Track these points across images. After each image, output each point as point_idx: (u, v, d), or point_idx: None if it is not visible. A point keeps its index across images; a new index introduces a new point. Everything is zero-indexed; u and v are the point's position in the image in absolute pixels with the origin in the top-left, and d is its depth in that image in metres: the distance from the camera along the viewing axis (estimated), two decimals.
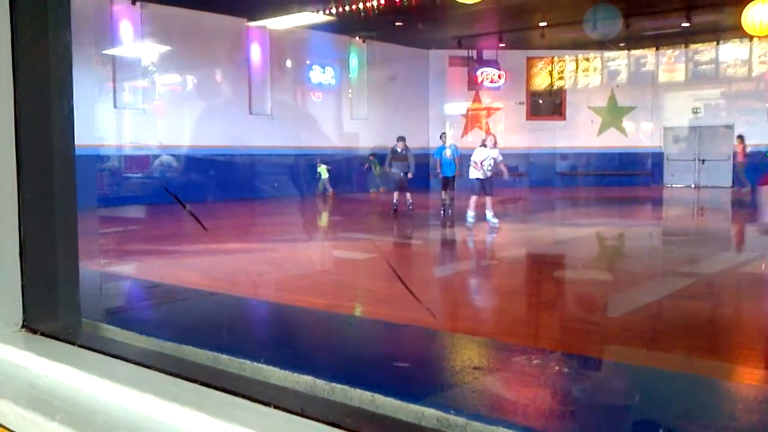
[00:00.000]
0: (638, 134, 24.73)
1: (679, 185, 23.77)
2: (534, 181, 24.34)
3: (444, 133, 17.30)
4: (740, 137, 21.48)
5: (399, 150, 15.98)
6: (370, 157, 20.35)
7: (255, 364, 1.13)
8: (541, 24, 20.07)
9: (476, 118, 24.96)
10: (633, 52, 23.89)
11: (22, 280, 1.33)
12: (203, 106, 18.54)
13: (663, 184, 24.12)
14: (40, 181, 1.35)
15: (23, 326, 1.33)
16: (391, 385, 1.03)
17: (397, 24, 20.12)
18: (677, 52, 23.57)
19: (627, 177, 24.27)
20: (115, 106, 17.27)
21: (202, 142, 18.00)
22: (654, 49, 23.68)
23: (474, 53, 24.06)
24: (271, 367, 1.11)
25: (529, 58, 24.52)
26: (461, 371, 1.14)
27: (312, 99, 21.48)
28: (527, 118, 25.04)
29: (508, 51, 23.58)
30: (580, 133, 24.56)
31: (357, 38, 21.98)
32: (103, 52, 17.01)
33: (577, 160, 24.96)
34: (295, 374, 1.08)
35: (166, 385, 1.02)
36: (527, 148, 24.54)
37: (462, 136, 24.94)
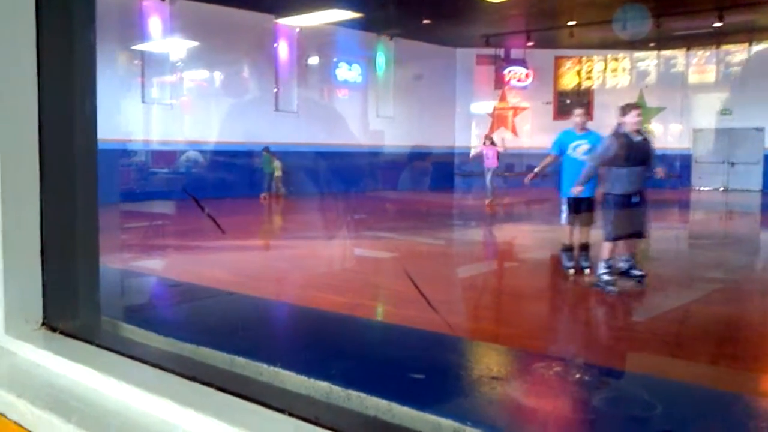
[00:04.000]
0: (666, 136, 24.43)
1: (707, 188, 23.48)
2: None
3: (580, 109, 9.42)
4: None
5: None
6: (264, 152, 18.46)
7: (271, 368, 1.13)
8: (570, 23, 19.92)
9: (503, 117, 24.84)
10: (663, 52, 23.63)
11: (42, 278, 1.34)
12: (230, 102, 18.64)
13: (691, 186, 23.84)
14: (62, 179, 1.36)
15: (43, 324, 1.34)
16: (408, 394, 1.01)
17: (424, 22, 20.08)
18: (708, 52, 23.28)
19: (654, 179, 23.97)
20: (143, 101, 17.39)
21: (229, 138, 18.09)
22: (684, 49, 23.39)
23: (502, 52, 23.93)
24: (287, 372, 1.10)
25: (557, 58, 24.34)
26: (479, 380, 1.13)
27: (338, 96, 21.51)
28: (554, 118, 24.85)
29: (536, 50, 23.42)
30: (608, 134, 24.28)
31: (384, 36, 21.95)
32: (133, 47, 17.15)
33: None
34: (311, 380, 1.07)
35: (182, 389, 1.01)
36: None
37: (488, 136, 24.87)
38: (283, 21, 18.70)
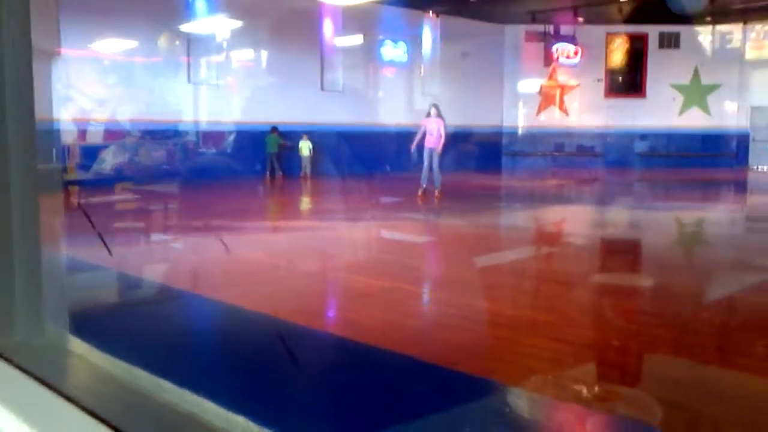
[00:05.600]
0: (723, 114, 23.67)
1: (765, 168, 22.71)
2: (610, 161, 23.66)
3: None
4: None
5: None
6: (274, 132, 18.16)
7: (194, 396, 1.00)
8: None
9: (551, 95, 24.35)
10: (718, 27, 22.81)
11: None
12: (275, 82, 18.60)
13: (748, 166, 23.09)
14: None
15: None
16: None
17: None
18: (767, 27, 22.39)
19: (709, 158, 23.32)
20: (189, 81, 17.46)
21: (274, 118, 18.09)
22: (741, 23, 22.54)
23: (551, 28, 23.40)
24: (209, 402, 0.97)
25: (608, 34, 23.70)
26: None
27: (383, 75, 21.31)
28: (605, 96, 24.28)
29: (586, 26, 22.84)
30: (661, 112, 23.67)
31: (430, 13, 21.63)
32: (179, 27, 17.21)
33: (656, 141, 24.11)
34: (229, 413, 0.94)
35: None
36: (604, 127, 23.84)
37: (536, 114, 24.44)
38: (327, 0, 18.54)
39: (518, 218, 12.35)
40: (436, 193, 13.30)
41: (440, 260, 8.26)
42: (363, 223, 10.96)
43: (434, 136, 13.17)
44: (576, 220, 11.99)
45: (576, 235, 10.52)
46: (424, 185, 13.32)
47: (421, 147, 13.36)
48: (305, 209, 14.34)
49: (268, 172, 18.08)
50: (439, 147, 13.18)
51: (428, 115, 13.42)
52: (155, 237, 8.99)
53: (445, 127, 13.34)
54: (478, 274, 6.90)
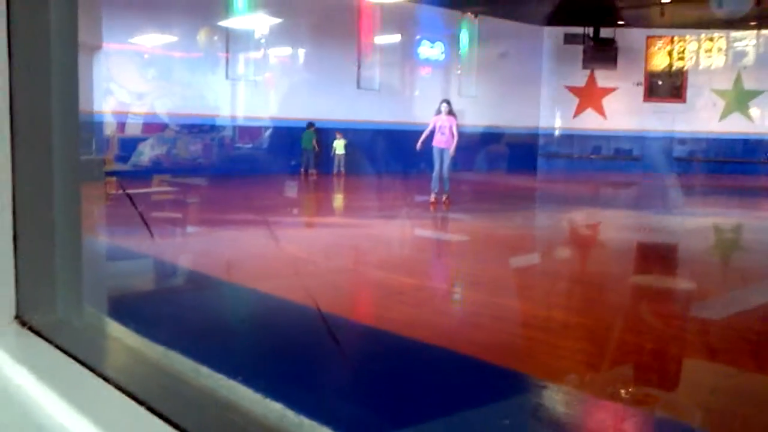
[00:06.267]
0: (765, 120, 23.24)
1: None
2: (648, 165, 23.38)
3: None
4: None
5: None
6: (310, 128, 18.21)
7: (231, 382, 1.00)
8: (663, 1, 19.08)
9: (590, 98, 24.11)
10: (764, 31, 22.38)
11: (15, 267, 1.23)
12: (313, 79, 18.68)
13: None
14: (38, 156, 1.24)
15: (16, 317, 1.23)
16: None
17: None
18: None
19: (751, 165, 22.91)
20: (227, 77, 17.60)
21: (310, 115, 18.17)
22: None
23: (590, 31, 23.18)
24: (245, 388, 0.97)
25: (648, 37, 23.41)
26: None
27: (420, 74, 21.29)
28: (644, 100, 23.99)
29: (626, 29, 22.59)
30: (701, 117, 23.32)
31: (468, 13, 21.56)
32: (218, 23, 17.36)
33: (696, 146, 23.76)
34: (267, 399, 0.94)
35: (117, 414, 0.89)
36: (643, 131, 23.57)
37: (574, 117, 24.23)
38: None
39: (547, 222, 12.25)
40: (444, 198, 12.15)
41: (463, 259, 8.21)
42: (392, 221, 10.96)
43: (446, 136, 11.91)
44: (609, 225, 11.85)
45: (609, 239, 10.40)
46: (436, 190, 12.12)
47: (429, 147, 12.10)
48: (331, 207, 14.38)
49: (302, 168, 18.16)
50: (452, 148, 11.95)
51: (438, 112, 12.17)
52: (190, 228, 9.07)
53: (458, 125, 12.15)
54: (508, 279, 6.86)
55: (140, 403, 0.93)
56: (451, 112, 12.05)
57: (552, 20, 22.42)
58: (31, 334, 1.18)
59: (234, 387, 0.99)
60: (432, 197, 12.14)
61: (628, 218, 12.65)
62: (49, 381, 1.00)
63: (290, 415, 0.91)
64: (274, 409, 0.92)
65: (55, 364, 1.07)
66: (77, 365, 1.05)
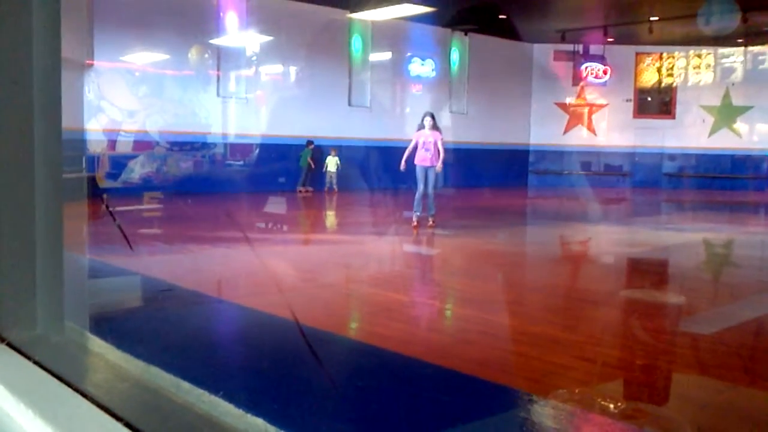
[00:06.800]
0: (753, 135, 23.40)
1: None
2: (638, 181, 23.51)
3: None
4: None
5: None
6: (309, 146, 18.35)
7: (212, 396, 0.98)
8: (652, 18, 19.23)
9: (579, 114, 24.25)
10: (750, 48, 22.58)
11: None
12: (304, 96, 18.72)
13: None
14: (18, 170, 1.23)
15: None
16: None
17: (500, 17, 19.73)
18: None
19: (739, 180, 23.05)
20: (218, 95, 17.62)
21: (301, 132, 18.19)
22: None
23: (580, 48, 23.36)
24: (226, 403, 0.96)
25: (637, 54, 23.59)
26: None
27: (411, 92, 21.36)
28: (634, 116, 24.14)
29: (616, 46, 22.76)
30: (690, 133, 23.48)
31: (458, 31, 21.70)
32: (209, 41, 17.39)
33: (685, 161, 23.91)
34: (248, 415, 0.93)
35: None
36: (632, 147, 23.71)
37: (564, 133, 24.33)
38: (356, 16, 18.65)
39: (538, 239, 12.25)
40: (431, 221, 10.97)
41: (445, 274, 8.21)
42: (383, 238, 10.94)
43: (431, 152, 10.71)
44: (600, 241, 11.87)
45: (600, 255, 10.42)
46: (418, 213, 10.89)
47: (412, 165, 10.89)
48: (324, 224, 14.35)
49: (299, 186, 18.15)
50: (439, 165, 10.77)
51: (421, 126, 10.95)
52: (178, 245, 9.03)
53: (443, 141, 10.93)
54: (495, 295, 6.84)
55: (119, 419, 0.92)
56: (435, 127, 10.89)
57: (542, 38, 22.51)
58: (10, 350, 1.16)
59: (215, 402, 0.98)
60: (414, 220, 10.89)
61: (618, 234, 12.67)
62: (27, 398, 0.99)
63: (272, 431, 0.90)
64: (255, 424, 0.91)
65: (33, 381, 1.05)
66: (56, 382, 1.04)
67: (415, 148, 10.83)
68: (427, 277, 8.15)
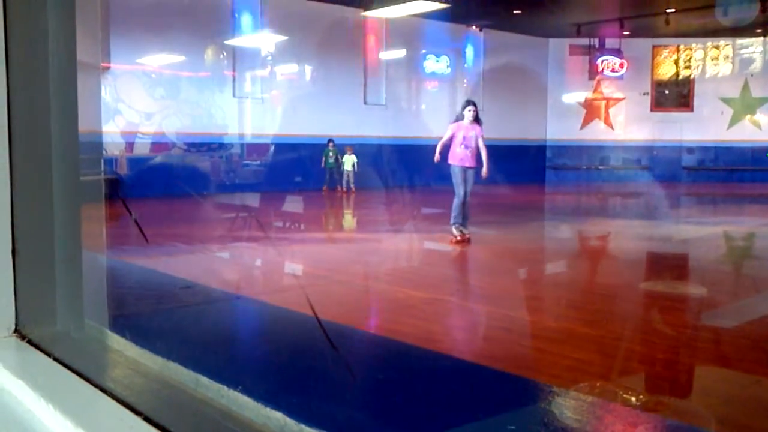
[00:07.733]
0: None
1: None
2: (657, 175, 23.31)
3: None
4: None
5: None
6: (329, 144, 18.48)
7: (231, 391, 0.98)
8: (668, 10, 19.06)
9: (595, 108, 24.09)
10: None
11: (15, 281, 1.22)
12: (319, 95, 18.74)
13: None
14: (37, 171, 1.24)
15: (15, 331, 1.22)
16: None
17: (515, 12, 19.66)
18: None
19: (760, 173, 22.80)
20: (234, 95, 17.68)
21: (318, 131, 18.22)
22: None
23: (596, 41, 23.20)
24: (246, 398, 0.96)
25: (654, 47, 23.40)
26: None
27: (426, 89, 21.33)
28: (652, 109, 23.95)
29: (632, 39, 22.59)
30: (709, 126, 23.26)
31: (473, 27, 21.63)
32: (225, 42, 17.46)
33: (704, 154, 23.70)
34: (267, 409, 0.92)
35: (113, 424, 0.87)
36: (651, 141, 23.53)
37: (581, 128, 24.19)
38: (370, 14, 18.64)
39: (558, 234, 12.19)
40: (466, 234, 8.95)
41: (468, 271, 8.18)
42: (403, 236, 10.94)
43: (471, 150, 8.76)
44: (620, 235, 11.79)
45: (621, 249, 10.35)
46: (458, 223, 8.88)
47: (445, 162, 8.96)
48: (343, 223, 14.35)
49: (325, 185, 18.21)
50: (485, 170, 8.91)
51: (459, 117, 9.02)
52: (197, 245, 9.07)
53: (483, 137, 8.95)
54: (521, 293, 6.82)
55: (139, 414, 0.92)
56: (477, 119, 8.91)
57: (557, 32, 22.39)
58: (30, 347, 1.17)
59: (234, 396, 0.98)
60: (456, 233, 8.85)
61: (638, 228, 12.58)
62: (47, 394, 0.99)
63: (291, 424, 0.90)
64: (274, 417, 0.91)
65: (54, 377, 1.06)
66: (76, 378, 1.04)
67: (449, 144, 8.90)
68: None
